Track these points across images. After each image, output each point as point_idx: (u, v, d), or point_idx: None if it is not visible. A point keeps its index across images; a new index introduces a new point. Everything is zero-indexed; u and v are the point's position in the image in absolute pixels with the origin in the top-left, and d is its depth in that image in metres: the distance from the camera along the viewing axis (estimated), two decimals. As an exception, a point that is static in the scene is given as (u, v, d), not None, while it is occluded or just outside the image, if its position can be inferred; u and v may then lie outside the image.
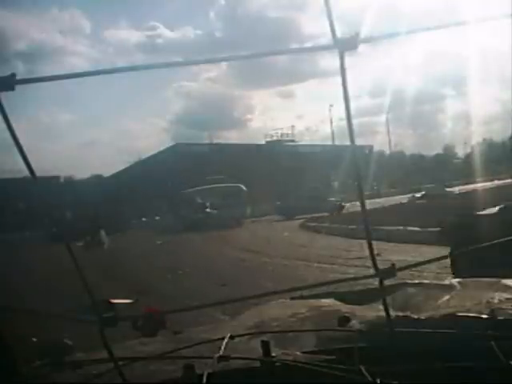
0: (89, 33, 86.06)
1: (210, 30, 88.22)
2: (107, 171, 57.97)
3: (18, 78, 0.73)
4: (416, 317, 1.67)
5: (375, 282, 0.94)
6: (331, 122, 65.44)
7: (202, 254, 17.42)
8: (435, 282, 2.48)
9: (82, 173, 59.01)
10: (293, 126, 67.10)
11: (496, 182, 36.70)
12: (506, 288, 2.03)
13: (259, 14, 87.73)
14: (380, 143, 64.59)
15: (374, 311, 1.84)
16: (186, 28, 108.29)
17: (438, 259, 1.04)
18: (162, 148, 58.78)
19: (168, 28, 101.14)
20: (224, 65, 74.09)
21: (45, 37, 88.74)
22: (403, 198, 38.61)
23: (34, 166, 0.79)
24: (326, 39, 0.75)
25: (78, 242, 21.86)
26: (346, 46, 0.73)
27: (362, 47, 0.74)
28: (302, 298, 2.42)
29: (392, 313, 1.55)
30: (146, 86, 78.03)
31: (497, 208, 8.58)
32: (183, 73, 79.27)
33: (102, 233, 26.59)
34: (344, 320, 1.77)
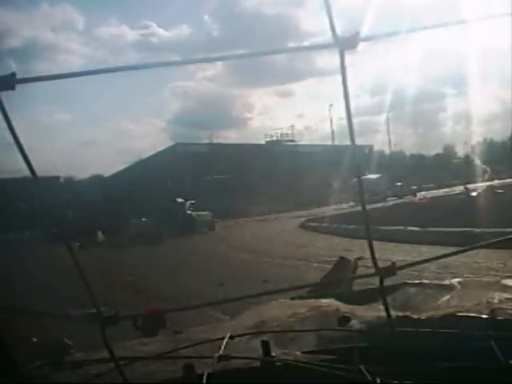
0: (82, 31, 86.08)
1: (205, 28, 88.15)
2: (107, 171, 58.00)
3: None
4: (416, 317, 1.67)
5: (375, 282, 0.94)
6: (331, 122, 65.52)
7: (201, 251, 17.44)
8: (435, 281, 2.48)
9: (81, 173, 59.01)
10: (292, 126, 67.21)
11: (496, 182, 36.70)
12: (506, 288, 2.03)
13: (256, 11, 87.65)
14: (380, 143, 64.63)
15: (374, 311, 1.84)
16: (181, 26, 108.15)
17: (438, 258, 1.04)
18: (160, 148, 58.90)
19: (162, 26, 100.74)
20: (220, 63, 74.06)
21: (37, 34, 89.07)
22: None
23: (33, 165, 0.79)
24: (326, 38, 0.74)
25: (77, 242, 21.85)
26: (346, 44, 0.73)
27: (361, 45, 0.74)
28: (301, 297, 2.42)
29: (392, 313, 1.55)
30: (142, 86, 78.14)
31: None
32: (179, 72, 79.31)
33: (99, 233, 26.50)
34: (344, 320, 1.77)
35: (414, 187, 45.16)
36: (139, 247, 21.39)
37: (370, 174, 43.71)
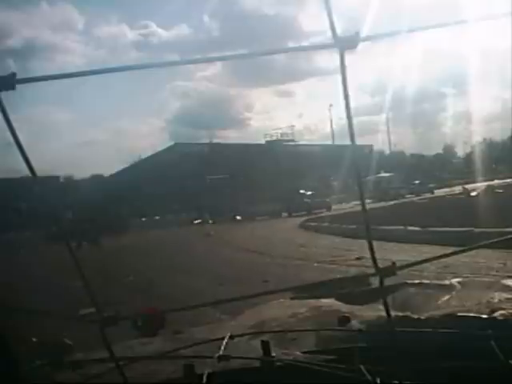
0: (82, 30, 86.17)
1: (205, 28, 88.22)
2: (107, 171, 58.00)
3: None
4: (416, 317, 1.67)
5: (375, 282, 0.93)
6: (331, 122, 65.57)
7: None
8: (435, 281, 2.48)
9: (81, 173, 59.00)
10: (292, 126, 67.25)
11: (496, 182, 36.78)
12: (506, 288, 2.03)
13: (256, 11, 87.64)
14: (380, 143, 64.73)
15: (374, 311, 1.84)
16: (180, 26, 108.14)
17: (438, 258, 1.04)
18: (160, 148, 58.92)
19: (162, 26, 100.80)
20: (220, 63, 73.86)
21: (37, 34, 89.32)
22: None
23: (33, 165, 0.79)
24: (326, 37, 0.74)
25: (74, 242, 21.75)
26: (346, 44, 0.73)
27: (361, 45, 0.74)
28: (301, 298, 2.42)
29: (392, 313, 1.55)
30: (142, 86, 78.35)
31: None
32: (179, 72, 79.35)
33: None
34: (344, 320, 1.77)
35: (432, 185, 46.08)
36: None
37: (384, 172, 45.60)
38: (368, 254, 0.89)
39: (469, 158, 54.69)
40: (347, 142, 0.85)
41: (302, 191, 42.30)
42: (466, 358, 1.30)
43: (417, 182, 46.13)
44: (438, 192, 40.96)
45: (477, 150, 53.20)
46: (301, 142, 67.25)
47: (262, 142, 65.21)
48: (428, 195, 38.69)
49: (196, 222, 39.33)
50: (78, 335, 2.33)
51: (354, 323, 1.74)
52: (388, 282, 0.92)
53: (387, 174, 46.63)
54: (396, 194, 40.28)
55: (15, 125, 0.75)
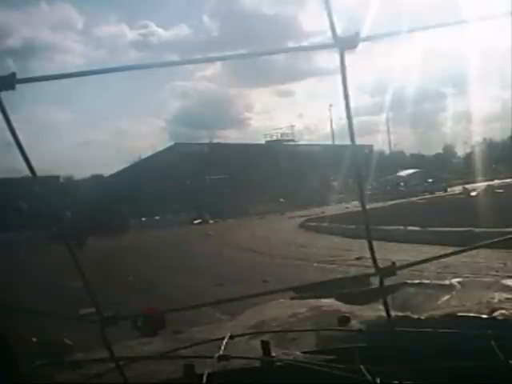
0: (81, 30, 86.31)
1: (205, 28, 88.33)
2: (107, 171, 57.96)
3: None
4: (416, 317, 1.67)
5: (375, 282, 0.93)
6: (331, 122, 65.63)
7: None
8: (435, 281, 2.48)
9: (81, 173, 58.96)
10: (292, 126, 67.29)
11: (496, 182, 36.81)
12: (506, 288, 2.04)
13: (256, 11, 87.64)
14: (380, 143, 64.82)
15: (374, 311, 1.84)
16: (180, 26, 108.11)
17: (438, 258, 1.04)
18: (160, 148, 58.93)
19: (161, 26, 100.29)
20: (219, 63, 73.76)
21: (36, 34, 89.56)
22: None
23: (33, 165, 0.79)
24: (326, 37, 0.74)
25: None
26: (346, 44, 0.73)
27: (361, 45, 0.74)
28: (302, 298, 2.42)
29: (392, 313, 1.55)
30: (142, 86, 78.39)
31: None
32: (179, 72, 79.34)
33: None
34: (344, 320, 1.77)
35: (443, 184, 46.77)
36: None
37: (404, 170, 48.95)
38: (368, 254, 0.89)
39: (469, 157, 54.79)
40: (347, 142, 0.85)
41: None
42: (465, 357, 1.30)
43: (430, 180, 46.68)
44: (440, 192, 41.21)
45: (477, 150, 53.32)
46: (301, 142, 67.37)
47: (262, 141, 65.27)
48: (429, 195, 38.84)
49: (196, 221, 39.35)
50: (78, 335, 2.33)
51: (354, 323, 1.74)
52: (388, 282, 0.92)
53: (404, 174, 48.76)
54: (408, 192, 40.97)
55: (15, 125, 0.75)
